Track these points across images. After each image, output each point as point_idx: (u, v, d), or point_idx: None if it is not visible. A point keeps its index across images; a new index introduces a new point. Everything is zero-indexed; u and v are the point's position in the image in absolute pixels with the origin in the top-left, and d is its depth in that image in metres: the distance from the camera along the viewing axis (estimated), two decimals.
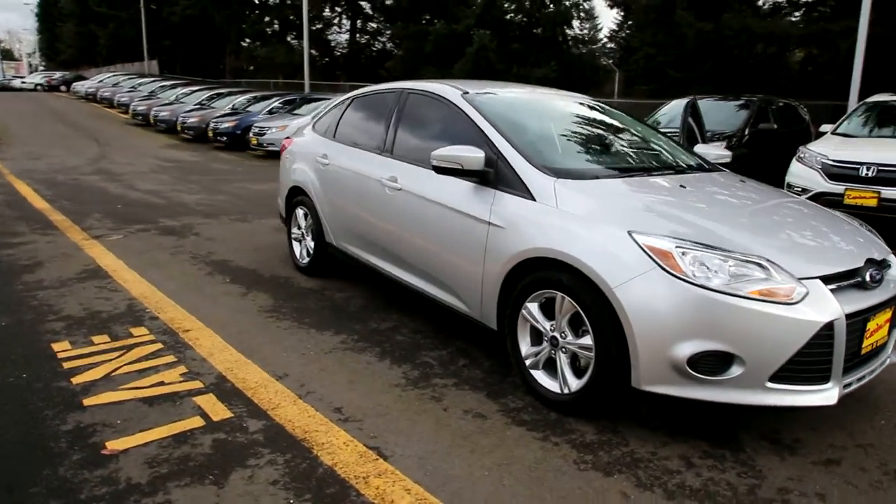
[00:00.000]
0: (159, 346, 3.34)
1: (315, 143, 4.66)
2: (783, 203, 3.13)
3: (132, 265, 4.94)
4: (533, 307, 2.75)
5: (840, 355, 2.30)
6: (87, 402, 2.68)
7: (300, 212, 4.84)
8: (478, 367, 3.18)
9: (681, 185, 3.02)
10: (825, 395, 2.31)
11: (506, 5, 20.62)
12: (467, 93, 3.50)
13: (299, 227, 4.90)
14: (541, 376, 2.78)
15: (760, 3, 15.91)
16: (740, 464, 2.35)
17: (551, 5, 21.37)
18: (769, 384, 2.26)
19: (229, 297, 4.28)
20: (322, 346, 3.44)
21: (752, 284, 2.26)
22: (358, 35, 28.92)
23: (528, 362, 2.82)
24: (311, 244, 4.70)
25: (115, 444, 2.35)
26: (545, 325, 2.71)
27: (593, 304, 2.45)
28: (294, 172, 4.85)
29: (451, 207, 3.16)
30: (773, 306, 2.23)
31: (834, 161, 6.63)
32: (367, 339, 3.55)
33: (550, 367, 2.76)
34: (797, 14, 15.13)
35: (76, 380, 2.90)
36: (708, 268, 2.29)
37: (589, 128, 3.68)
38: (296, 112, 14.92)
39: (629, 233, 2.43)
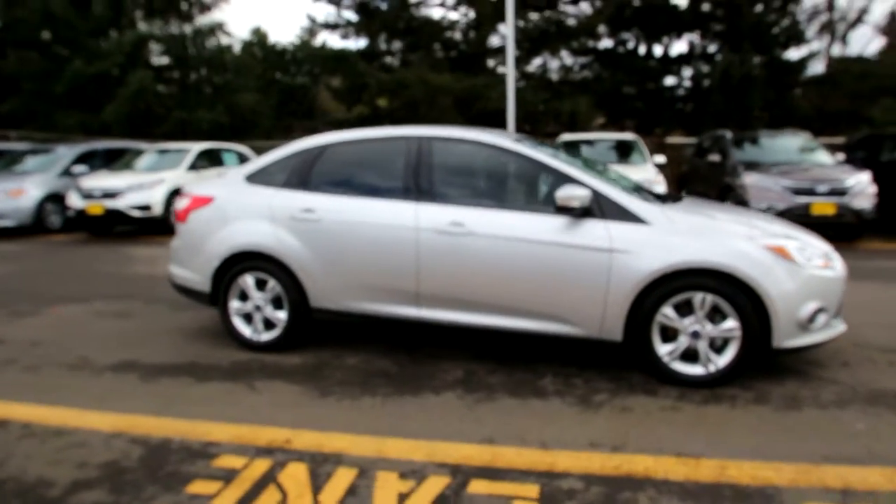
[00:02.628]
0: (301, 465, 2.62)
1: (279, 197, 4.03)
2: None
3: (11, 397, 3.34)
4: (668, 310, 3.34)
5: (842, 296, 3.66)
6: None
7: (249, 281, 4.08)
8: (596, 379, 3.54)
9: (709, 203, 4.06)
10: (842, 325, 3.63)
11: (153, 45, 18.68)
12: (518, 140, 3.79)
13: (246, 300, 4.11)
14: (680, 366, 3.39)
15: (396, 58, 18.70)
16: (823, 380, 3.47)
17: (193, 48, 20.31)
18: (832, 322, 3.46)
19: (251, 395, 3.43)
20: (457, 407, 3.23)
21: (818, 259, 3.41)
22: None
23: (664, 359, 3.40)
24: (279, 315, 4.05)
25: None
26: (682, 322, 3.35)
27: (739, 296, 3.23)
28: (236, 235, 4.06)
29: (555, 242, 3.44)
30: (829, 271, 3.42)
31: None
32: (472, 389, 3.46)
33: (683, 357, 3.40)
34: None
35: None
36: (800, 253, 3.35)
37: (591, 163, 4.37)
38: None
39: (750, 239, 3.31)
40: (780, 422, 2.98)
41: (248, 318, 4.16)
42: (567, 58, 17.03)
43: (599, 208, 3.46)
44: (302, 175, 4.07)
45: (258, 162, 4.29)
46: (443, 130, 3.95)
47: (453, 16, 18.07)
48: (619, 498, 2.35)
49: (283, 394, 3.45)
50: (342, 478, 2.52)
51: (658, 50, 18.19)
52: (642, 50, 18.49)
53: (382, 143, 4.03)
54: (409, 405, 3.27)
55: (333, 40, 20.43)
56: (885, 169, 8.36)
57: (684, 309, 3.35)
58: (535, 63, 18.44)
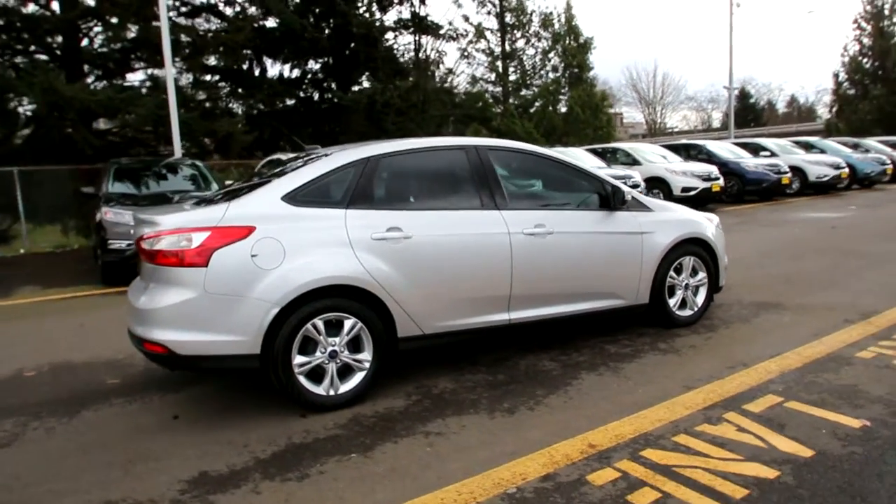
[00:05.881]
0: (655, 449, 2.72)
1: (352, 217, 3.38)
2: None
3: None
4: (672, 273, 4.53)
5: None
6: None
7: (320, 325, 3.32)
8: (636, 338, 4.40)
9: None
10: None
11: None
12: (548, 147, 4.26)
13: (310, 352, 3.32)
14: (680, 312, 4.61)
15: None
16: (729, 303, 5.21)
17: None
18: None
19: (456, 438, 2.98)
20: (614, 381, 3.63)
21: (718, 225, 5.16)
22: None
23: (673, 309, 4.57)
24: (361, 357, 3.46)
25: None
26: (677, 279, 4.58)
27: (705, 253, 4.67)
28: (306, 269, 3.25)
29: (611, 232, 4.19)
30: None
31: None
32: (590, 369, 3.85)
33: (679, 306, 4.64)
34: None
35: None
36: (718, 222, 5.00)
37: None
38: None
39: (698, 213, 4.78)
40: (760, 329, 4.53)
41: (313, 374, 3.35)
42: (201, 75, 15.98)
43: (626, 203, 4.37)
44: (365, 191, 3.54)
45: (292, 179, 3.44)
46: (491, 141, 4.12)
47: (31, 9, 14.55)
48: (806, 380, 3.43)
49: (476, 426, 3.11)
50: (693, 439, 2.79)
51: (273, 72, 18.92)
52: (257, 72, 18.87)
53: (440, 154, 3.92)
54: (585, 390, 3.50)
55: None
56: None
57: (678, 270, 4.61)
58: (139, 77, 16.49)
